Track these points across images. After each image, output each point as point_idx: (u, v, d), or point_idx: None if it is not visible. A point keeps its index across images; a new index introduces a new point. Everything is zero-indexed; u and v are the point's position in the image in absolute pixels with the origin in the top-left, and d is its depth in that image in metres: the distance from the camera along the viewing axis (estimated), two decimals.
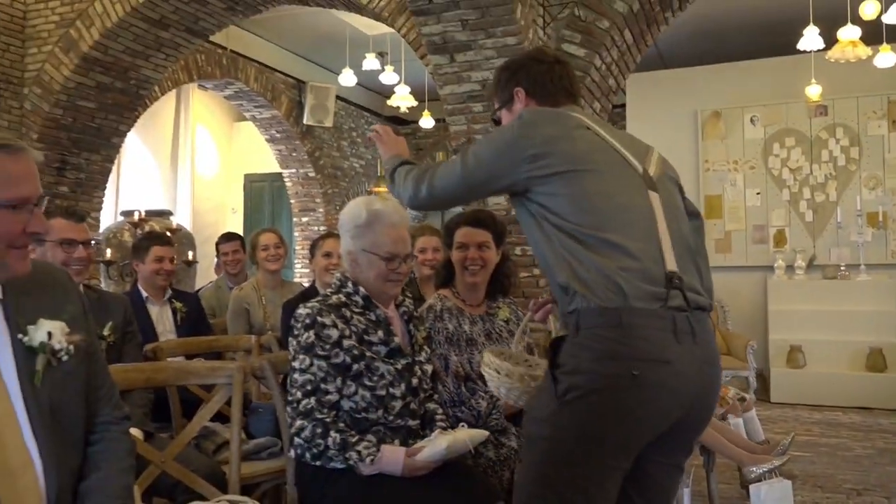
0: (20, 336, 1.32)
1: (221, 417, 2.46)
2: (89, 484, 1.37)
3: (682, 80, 7.66)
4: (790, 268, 6.80)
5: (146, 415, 2.44)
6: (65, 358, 1.36)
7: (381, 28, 6.99)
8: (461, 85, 3.86)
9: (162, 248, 3.43)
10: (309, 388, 1.92)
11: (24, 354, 1.32)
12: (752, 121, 7.24)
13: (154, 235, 3.75)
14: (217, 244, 4.80)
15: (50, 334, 1.34)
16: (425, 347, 2.19)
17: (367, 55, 7.55)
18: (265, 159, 9.37)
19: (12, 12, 5.77)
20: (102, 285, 5.76)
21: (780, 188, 7.16)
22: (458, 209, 3.25)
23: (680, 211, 1.72)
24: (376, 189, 8.72)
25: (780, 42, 6.82)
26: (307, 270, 8.61)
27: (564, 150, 1.62)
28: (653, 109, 7.75)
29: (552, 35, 4.06)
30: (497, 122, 1.93)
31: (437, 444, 1.90)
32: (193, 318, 3.52)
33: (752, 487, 2.91)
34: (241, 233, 9.30)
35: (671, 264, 1.55)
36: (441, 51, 3.77)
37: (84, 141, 5.87)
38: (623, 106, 8.26)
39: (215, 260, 6.17)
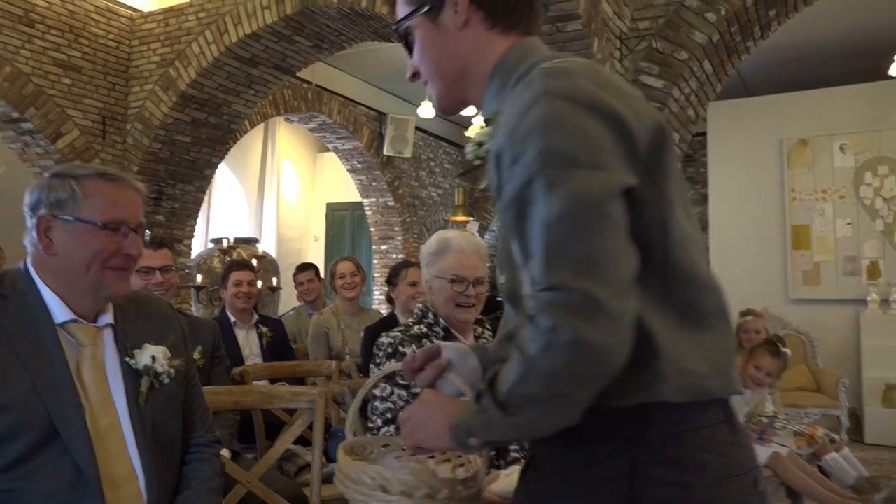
0: (127, 359, 1.44)
1: (302, 440, 2.56)
2: (182, 500, 1.46)
3: (767, 108, 7.47)
4: (885, 301, 6.47)
5: (233, 435, 2.56)
6: (166, 381, 1.47)
7: None
8: None
9: (239, 272, 3.60)
10: (389, 416, 1.96)
11: (131, 376, 1.44)
12: (841, 148, 6.98)
13: (233, 262, 3.94)
14: (294, 274, 4.99)
15: (154, 358, 1.46)
16: None
17: None
18: (347, 189, 9.64)
19: (118, 54, 6.20)
20: (193, 310, 6.05)
21: (872, 218, 6.86)
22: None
23: None
24: (453, 218, 8.83)
25: (870, 67, 6.59)
26: (384, 297, 8.77)
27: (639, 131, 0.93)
28: (735, 138, 7.58)
29: (629, 68, 4.07)
30: (404, 40, 1.12)
31: (512, 482, 1.92)
32: (278, 342, 3.67)
33: None
34: (322, 260, 9.64)
35: None
36: None
37: (179, 173, 6.22)
38: (703, 134, 8.11)
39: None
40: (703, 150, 8.50)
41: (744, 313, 4.33)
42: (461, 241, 2.16)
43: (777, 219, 7.21)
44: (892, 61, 5.33)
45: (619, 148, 0.89)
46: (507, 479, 1.93)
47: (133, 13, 6.32)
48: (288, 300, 7.31)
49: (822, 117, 7.03)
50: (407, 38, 1.10)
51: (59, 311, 1.39)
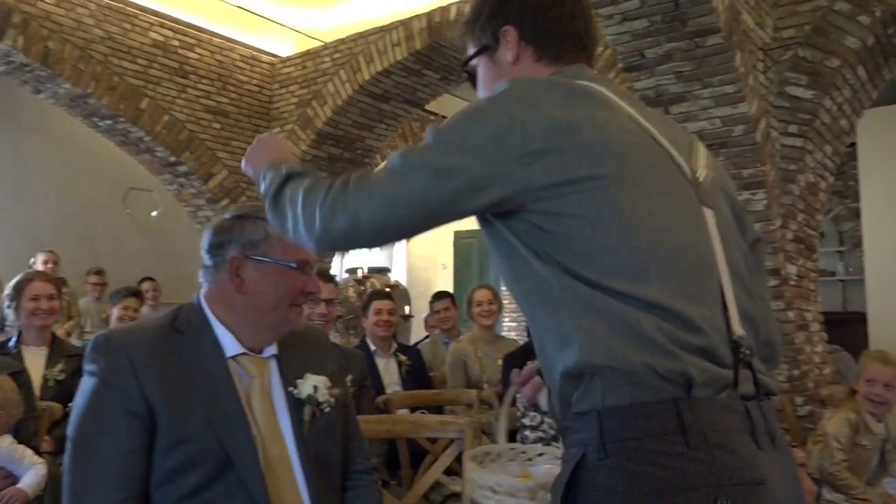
0: (290, 389, 1.48)
1: (447, 470, 2.56)
2: None
3: None
4: None
5: (382, 464, 2.60)
6: (326, 409, 1.50)
7: None
8: None
9: (380, 301, 3.69)
10: (540, 445, 1.93)
11: (294, 405, 1.47)
12: None
13: (374, 292, 4.05)
14: (431, 302, 5.05)
15: (315, 388, 1.49)
16: None
17: None
18: (473, 217, 9.71)
19: (261, 98, 6.61)
20: (331, 339, 6.27)
21: None
22: None
23: (735, 235, 1.12)
24: None
25: None
26: (515, 325, 8.71)
27: (584, 143, 0.99)
28: (891, 147, 7.01)
29: (774, 79, 3.86)
30: (471, 77, 1.28)
31: None
32: (416, 370, 3.71)
33: None
34: (451, 288, 9.74)
35: (737, 326, 1.01)
36: (654, 104, 3.72)
37: None
38: (853, 145, 7.56)
39: (424, 315, 6.49)
40: (852, 161, 7.92)
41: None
42: None
43: None
44: None
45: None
46: None
47: (273, 59, 6.72)
48: (418, 328, 7.42)
49: None
50: (473, 75, 1.27)
51: (230, 345, 1.44)
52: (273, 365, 1.50)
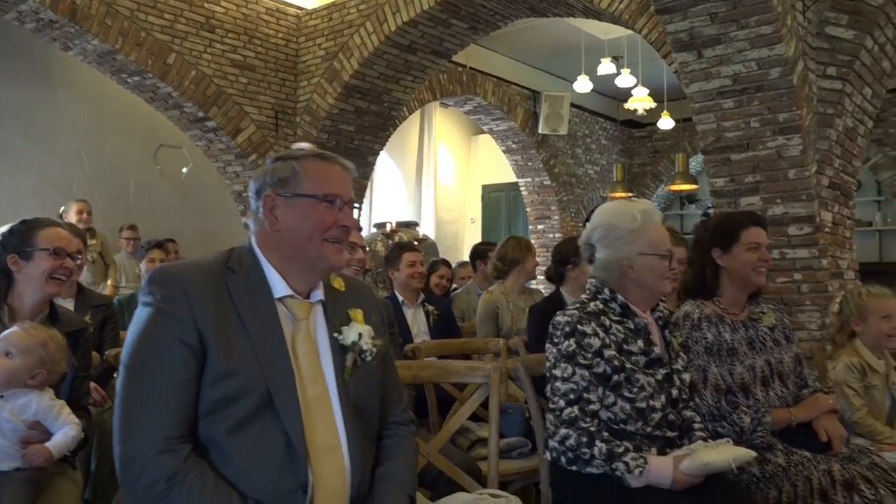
0: (336, 334, 1.51)
1: (474, 416, 2.58)
2: (382, 471, 1.52)
3: None
4: None
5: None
6: (368, 358, 1.53)
7: (617, 32, 6.89)
8: (709, 81, 3.67)
9: (412, 253, 3.70)
10: (572, 396, 1.92)
11: (338, 351, 1.51)
12: None
13: (402, 245, 4.04)
14: (471, 255, 5.19)
15: (360, 335, 1.52)
16: (682, 354, 2.12)
17: (602, 60, 7.50)
18: (502, 170, 9.65)
19: (287, 52, 6.57)
20: None
21: None
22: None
23: None
24: (612, 194, 8.58)
25: None
26: (541, 277, 8.71)
27: None
28: None
29: (813, 19, 3.71)
30: None
31: (697, 458, 1.83)
32: (445, 320, 3.74)
33: None
34: (479, 241, 9.75)
35: None
36: (688, 47, 3.62)
37: None
38: (894, 91, 7.31)
39: (455, 265, 6.56)
40: (893, 108, 7.67)
41: None
42: (656, 212, 2.11)
43: None
44: None
45: None
46: (692, 456, 1.84)
47: (299, 11, 6.66)
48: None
49: None
50: None
51: (279, 287, 1.48)
52: (319, 310, 1.53)
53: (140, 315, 1.41)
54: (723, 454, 1.85)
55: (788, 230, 3.70)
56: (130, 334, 1.41)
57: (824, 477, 2.03)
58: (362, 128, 6.45)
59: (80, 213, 5.61)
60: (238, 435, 1.36)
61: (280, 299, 1.48)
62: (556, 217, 9.32)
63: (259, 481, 1.35)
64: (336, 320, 1.53)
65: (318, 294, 1.53)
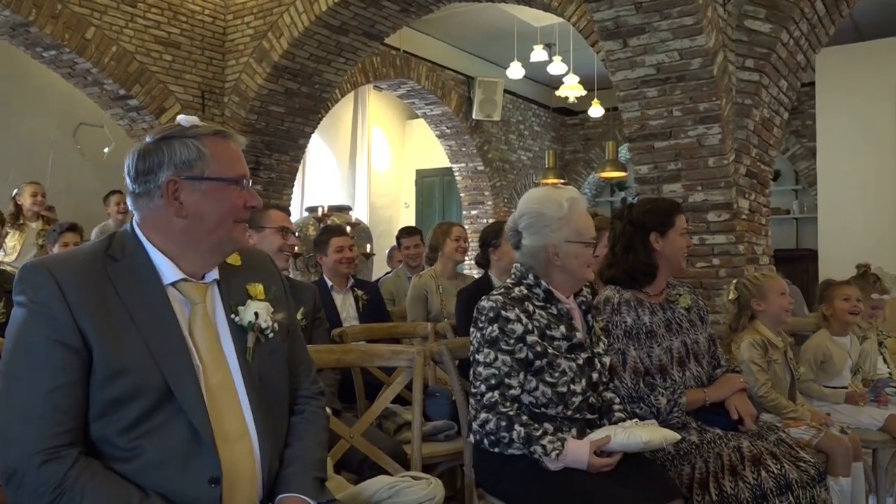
0: (232, 316, 1.46)
1: (401, 401, 2.59)
2: (291, 452, 1.48)
3: (881, 53, 6.93)
4: None
5: (334, 394, 2.62)
6: (270, 335, 1.48)
7: (549, 19, 6.95)
8: (634, 70, 3.75)
9: (340, 238, 3.64)
10: (493, 381, 1.94)
11: (237, 332, 1.45)
12: None
13: (331, 228, 3.99)
14: (398, 237, 5.06)
15: (257, 314, 1.46)
16: (602, 338, 2.17)
17: (534, 47, 7.55)
18: (436, 155, 9.65)
19: (214, 29, 6.38)
20: (291, 276, 6.23)
21: None
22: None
23: None
24: (544, 181, 8.69)
25: None
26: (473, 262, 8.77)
27: None
28: (847, 87, 7.08)
29: (733, 12, 3.83)
30: None
31: (634, 435, 1.88)
32: (374, 305, 3.72)
33: None
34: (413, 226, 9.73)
35: None
36: (613, 36, 3.68)
37: (275, 143, 6.38)
38: (811, 85, 7.62)
39: (387, 252, 6.51)
40: (810, 101, 8.00)
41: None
42: (582, 199, 2.14)
43: (891, 171, 6.73)
44: None
45: None
46: (627, 432, 1.90)
47: None
48: (381, 266, 7.42)
49: None
50: None
51: (169, 272, 1.40)
52: (215, 290, 1.47)
53: (15, 316, 1.31)
54: (656, 433, 1.91)
55: (708, 217, 3.83)
56: (7, 338, 1.31)
57: (734, 453, 2.12)
58: (293, 110, 6.33)
59: (34, 195, 5.41)
60: (136, 433, 1.29)
61: (171, 284, 1.40)
62: (490, 202, 9.38)
63: (165, 476, 1.30)
64: (232, 301, 1.47)
65: (213, 274, 1.47)
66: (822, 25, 4.12)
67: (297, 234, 3.10)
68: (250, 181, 1.49)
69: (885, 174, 6.75)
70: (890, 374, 3.33)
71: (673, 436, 1.93)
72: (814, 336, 3.08)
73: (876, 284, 3.39)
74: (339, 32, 5.89)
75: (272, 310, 1.49)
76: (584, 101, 8.61)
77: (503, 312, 1.97)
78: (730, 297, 2.84)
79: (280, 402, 1.52)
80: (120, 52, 5.69)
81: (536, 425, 1.92)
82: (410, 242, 4.94)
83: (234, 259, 1.53)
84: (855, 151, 6.99)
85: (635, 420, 1.98)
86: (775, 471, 2.05)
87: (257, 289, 1.50)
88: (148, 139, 1.44)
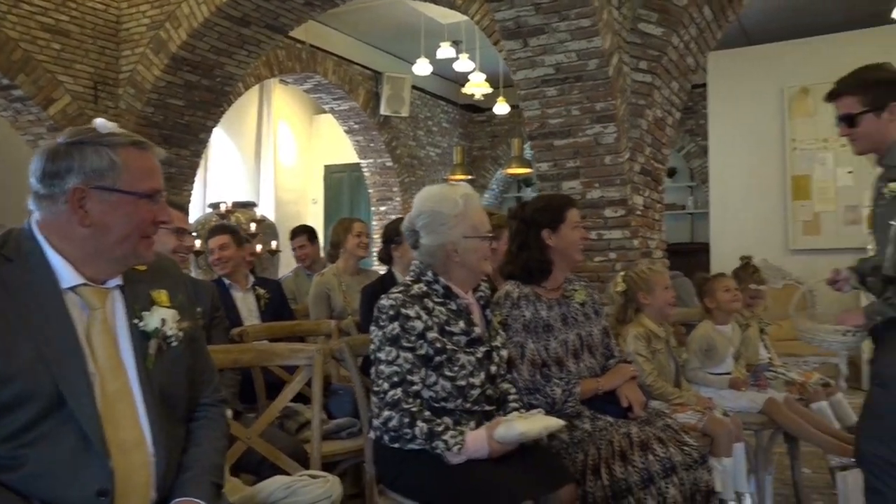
0: (136, 321, 1.41)
1: (304, 399, 2.57)
2: (188, 458, 1.46)
3: (768, 57, 7.36)
4: None
5: (234, 395, 2.57)
6: (174, 343, 1.45)
7: (456, 16, 7.00)
8: (535, 69, 3.85)
9: (213, 238, 3.55)
10: (396, 379, 1.96)
11: (139, 338, 1.41)
12: None
13: (212, 228, 3.88)
14: (290, 238, 5.01)
15: (163, 321, 1.43)
16: (500, 332, 2.22)
17: (441, 44, 7.60)
18: (344, 150, 9.56)
19: (107, 17, 6.09)
20: (192, 274, 6.05)
21: (874, 166, 6.80)
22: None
23: None
24: (452, 177, 8.77)
25: (873, 12, 6.46)
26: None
27: None
28: (736, 88, 7.49)
29: (628, 15, 3.99)
30: (849, 122, 2.17)
31: (512, 427, 1.93)
32: (276, 304, 3.65)
33: (837, 475, 2.81)
34: (321, 222, 9.61)
35: None
36: (514, 36, 3.76)
37: (174, 137, 6.15)
38: (704, 86, 8.00)
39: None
40: (703, 101, 8.40)
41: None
42: (476, 195, 2.18)
43: (777, 169, 7.16)
44: (895, 5, 5.22)
45: None
46: (507, 424, 1.95)
47: None
48: (288, 263, 7.30)
49: (824, 65, 6.91)
50: (847, 120, 2.18)
51: (68, 276, 1.35)
52: (117, 295, 1.42)
53: None
54: (535, 424, 1.97)
55: (605, 213, 3.97)
56: None
57: (624, 439, 2.22)
58: (193, 103, 6.13)
59: None
60: (21, 441, 1.25)
61: (71, 288, 1.35)
62: (399, 199, 9.39)
63: (49, 486, 1.25)
64: (136, 306, 1.43)
65: (116, 280, 1.42)
66: (710, 30, 4.33)
67: (194, 233, 2.99)
68: (164, 194, 1.44)
69: (771, 172, 7.18)
70: (770, 359, 3.56)
71: (556, 423, 2.00)
72: (698, 326, 3.25)
73: (754, 275, 3.61)
74: (241, 24, 5.75)
75: (178, 317, 1.46)
76: (491, 99, 8.73)
77: (403, 310, 1.99)
78: (617, 289, 2.96)
79: (179, 410, 1.49)
80: (2, 39, 5.36)
81: (438, 421, 1.95)
82: (297, 243, 4.93)
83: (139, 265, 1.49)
84: (744, 150, 7.40)
85: (517, 412, 2.04)
86: (661, 454, 2.16)
87: (162, 295, 1.47)
88: (59, 140, 1.38)
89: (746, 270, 3.63)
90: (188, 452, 1.47)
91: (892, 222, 2.09)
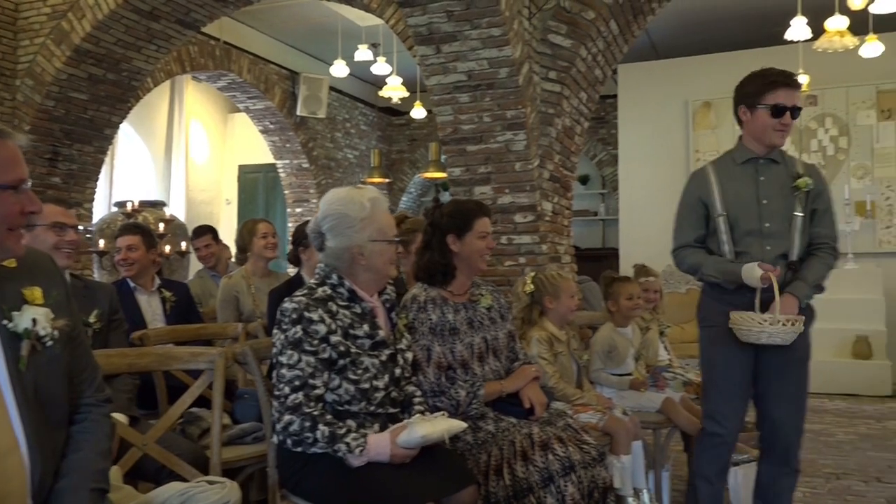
0: (5, 322, 1.35)
1: (209, 404, 2.51)
2: (68, 463, 1.40)
3: (674, 71, 7.69)
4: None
5: (131, 400, 2.48)
6: (49, 343, 1.39)
7: (374, 19, 6.99)
8: (447, 75, 3.90)
9: (122, 237, 3.45)
10: (297, 383, 1.94)
11: (10, 340, 1.35)
12: None
13: (122, 226, 3.77)
14: (191, 239, 4.87)
15: (35, 321, 1.37)
16: (406, 335, 2.24)
17: (359, 46, 7.57)
18: (259, 150, 9.39)
19: (4, 4, 5.78)
20: (96, 276, 5.80)
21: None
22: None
23: None
24: (370, 179, 8.74)
25: (770, 32, 6.85)
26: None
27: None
28: (645, 100, 7.79)
29: (538, 26, 4.09)
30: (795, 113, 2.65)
31: (414, 431, 1.95)
32: (183, 307, 3.56)
33: (731, 470, 2.96)
34: (235, 223, 9.38)
35: None
36: (427, 41, 3.80)
37: (76, 132, 5.89)
38: (614, 97, 8.29)
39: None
40: (614, 111, 8.70)
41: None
42: (382, 198, 2.18)
43: (682, 178, 7.37)
44: (788, 27, 5.56)
45: None
46: (409, 428, 1.96)
47: None
48: (198, 264, 7.11)
49: (725, 80, 7.24)
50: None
51: None
52: None
53: None
54: (437, 426, 1.99)
55: (515, 218, 4.06)
56: None
57: (525, 440, 2.27)
58: (97, 97, 5.89)
59: None
60: None
61: None
62: (315, 200, 9.28)
63: None
64: (5, 305, 1.36)
65: None
66: (617, 44, 4.50)
67: (86, 227, 2.87)
68: (29, 182, 1.38)
69: (677, 180, 7.42)
70: (670, 361, 3.71)
71: (459, 425, 2.03)
72: (600, 328, 3.36)
73: (643, 269, 3.77)
74: (150, 18, 5.56)
75: (52, 316, 1.40)
76: (409, 102, 8.76)
77: (306, 314, 1.98)
78: (525, 289, 3.02)
79: (58, 413, 1.43)
80: None
81: (340, 423, 1.95)
82: (200, 243, 4.82)
83: (9, 261, 1.41)
84: (651, 159, 7.70)
85: (419, 415, 2.06)
86: (561, 454, 2.22)
87: (35, 293, 1.40)
88: None
89: (639, 273, 3.77)
90: (67, 458, 1.41)
91: (797, 213, 2.50)
